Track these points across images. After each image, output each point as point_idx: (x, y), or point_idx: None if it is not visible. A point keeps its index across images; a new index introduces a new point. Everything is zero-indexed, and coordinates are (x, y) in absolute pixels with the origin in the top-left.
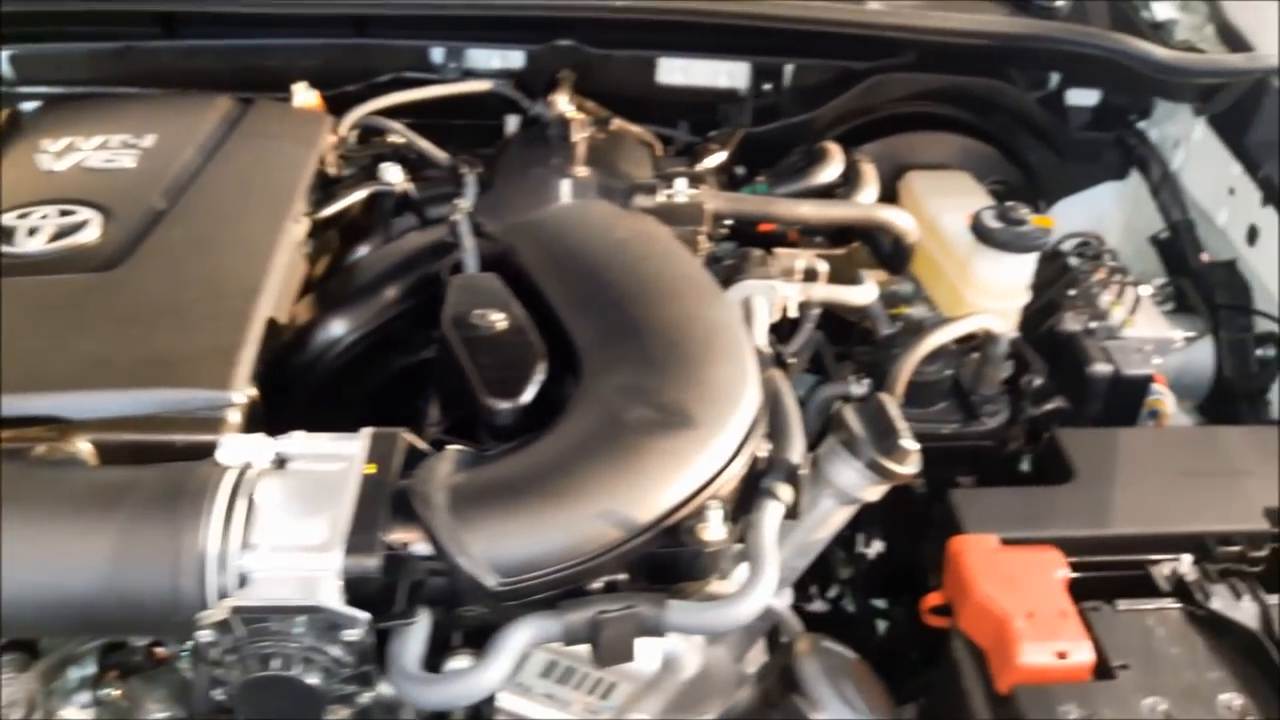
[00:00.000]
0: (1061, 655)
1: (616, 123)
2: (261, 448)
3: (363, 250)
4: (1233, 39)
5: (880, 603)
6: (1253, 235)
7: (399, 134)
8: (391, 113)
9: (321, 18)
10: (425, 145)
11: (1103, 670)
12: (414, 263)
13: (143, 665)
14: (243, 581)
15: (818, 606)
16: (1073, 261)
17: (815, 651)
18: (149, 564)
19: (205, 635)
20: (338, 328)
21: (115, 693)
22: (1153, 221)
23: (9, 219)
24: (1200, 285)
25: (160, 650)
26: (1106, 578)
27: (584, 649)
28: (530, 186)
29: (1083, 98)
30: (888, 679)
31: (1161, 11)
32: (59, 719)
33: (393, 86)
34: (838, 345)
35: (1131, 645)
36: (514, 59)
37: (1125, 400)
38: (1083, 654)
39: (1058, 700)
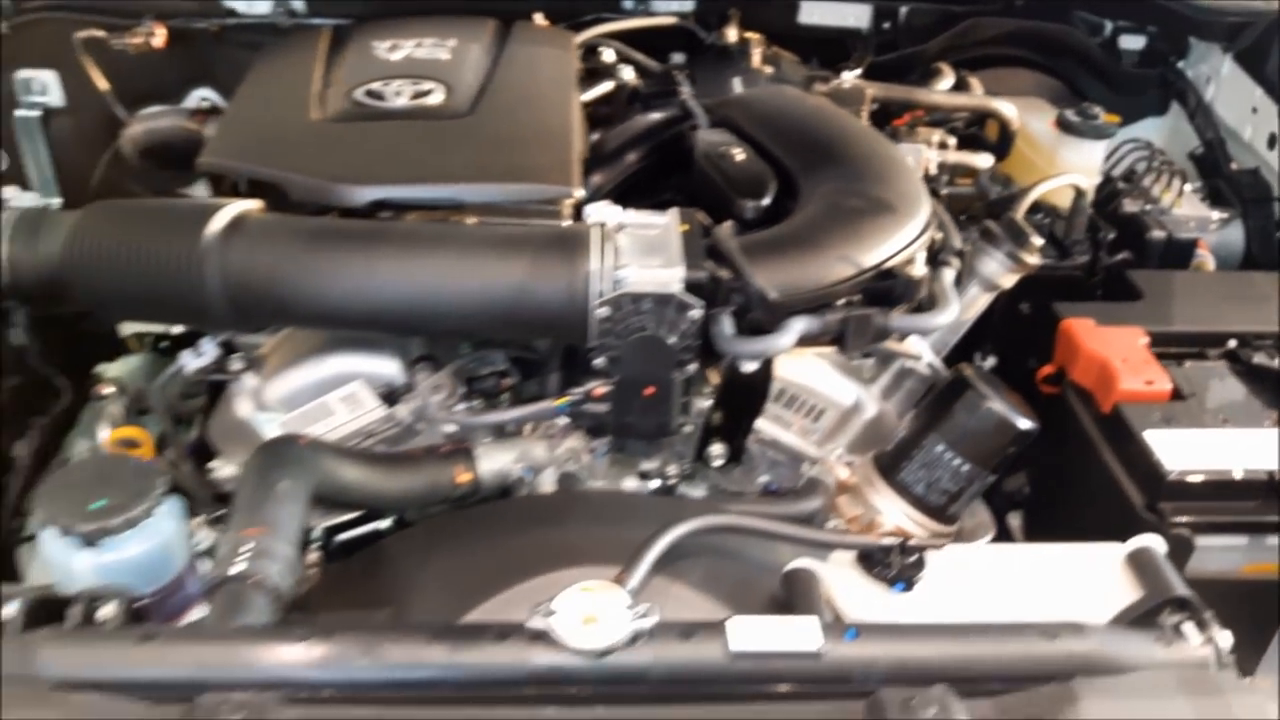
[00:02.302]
0: (1149, 383)
1: (773, 48)
2: (614, 212)
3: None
4: None
5: None
6: (1272, 141)
7: (620, 51)
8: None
9: None
10: (640, 57)
11: (1177, 395)
12: (648, 135)
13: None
14: (616, 287)
15: None
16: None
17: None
18: (550, 281)
19: (603, 311)
20: (595, 179)
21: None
22: (1187, 147)
23: (376, 86)
24: (1231, 185)
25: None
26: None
27: (809, 383)
28: (728, 81)
29: (1132, 43)
30: None
31: None
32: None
33: (593, 23)
34: None
35: (1197, 383)
36: (686, 4)
37: (1176, 259)
38: (1164, 383)
39: (1148, 411)
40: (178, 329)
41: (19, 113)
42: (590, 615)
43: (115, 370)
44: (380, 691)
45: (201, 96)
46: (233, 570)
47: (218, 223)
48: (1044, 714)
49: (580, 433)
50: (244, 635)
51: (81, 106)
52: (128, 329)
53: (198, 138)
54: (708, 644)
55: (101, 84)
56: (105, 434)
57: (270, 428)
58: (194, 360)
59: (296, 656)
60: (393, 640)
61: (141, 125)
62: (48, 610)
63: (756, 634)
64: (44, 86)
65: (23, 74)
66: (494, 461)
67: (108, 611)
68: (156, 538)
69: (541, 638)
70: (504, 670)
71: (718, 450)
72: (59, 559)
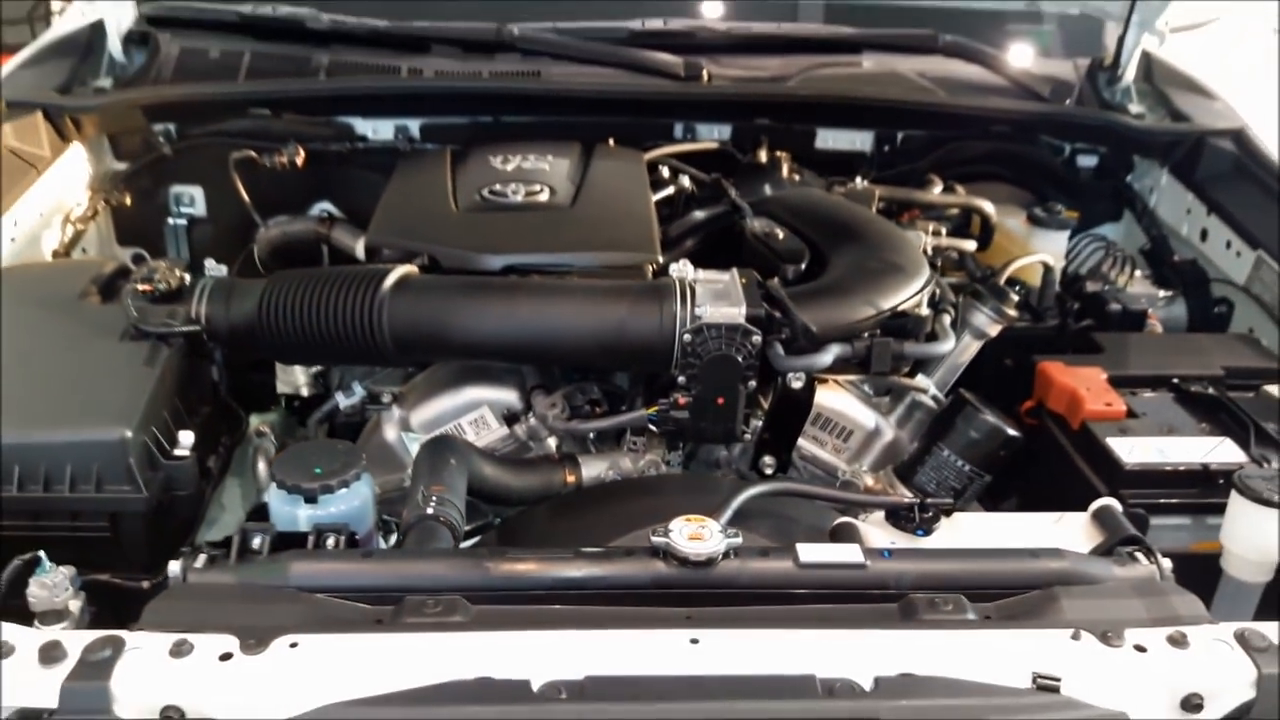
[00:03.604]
0: (1109, 404)
1: (796, 164)
2: (690, 269)
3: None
4: (1180, 119)
5: None
6: (1204, 234)
7: (674, 166)
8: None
9: (614, 102)
10: (693, 171)
11: (1131, 414)
12: (701, 226)
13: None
14: (694, 321)
15: None
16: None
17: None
18: (646, 317)
19: (687, 336)
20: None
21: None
22: (1138, 245)
23: (497, 187)
24: (1175, 272)
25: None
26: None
27: (841, 409)
28: (761, 188)
29: (1087, 160)
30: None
31: (1134, 109)
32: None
33: (652, 147)
34: None
35: (1147, 406)
36: (725, 131)
37: (1131, 327)
38: (1119, 406)
39: (1109, 426)
40: (307, 391)
41: (170, 221)
42: (695, 534)
43: (254, 422)
44: (538, 591)
45: (321, 208)
46: (428, 511)
47: (390, 280)
48: (1032, 611)
49: (658, 449)
50: (437, 554)
51: (218, 216)
52: (282, 386)
53: (325, 239)
54: (782, 559)
55: (245, 197)
56: (263, 466)
57: (414, 447)
58: (345, 399)
59: (476, 569)
60: (548, 559)
61: (278, 229)
62: (284, 541)
63: (818, 552)
64: (192, 199)
65: (176, 189)
66: (593, 468)
67: (332, 542)
68: (358, 499)
69: (658, 553)
70: (631, 577)
71: (768, 460)
72: (285, 512)
